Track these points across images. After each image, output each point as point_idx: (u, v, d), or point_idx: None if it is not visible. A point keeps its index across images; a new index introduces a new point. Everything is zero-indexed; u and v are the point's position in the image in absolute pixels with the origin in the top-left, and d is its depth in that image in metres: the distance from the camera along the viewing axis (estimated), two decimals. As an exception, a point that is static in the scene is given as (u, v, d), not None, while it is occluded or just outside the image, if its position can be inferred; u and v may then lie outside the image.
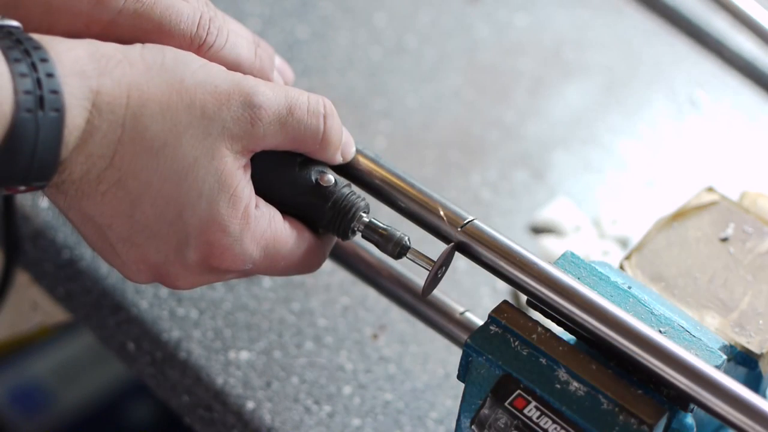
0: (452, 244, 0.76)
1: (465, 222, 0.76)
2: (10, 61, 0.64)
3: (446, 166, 1.15)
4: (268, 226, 0.75)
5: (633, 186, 1.16)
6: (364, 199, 0.77)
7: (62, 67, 0.66)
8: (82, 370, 1.62)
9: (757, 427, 0.66)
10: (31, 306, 1.13)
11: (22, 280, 1.08)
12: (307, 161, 0.77)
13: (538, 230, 1.11)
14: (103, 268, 1.01)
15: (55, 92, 0.65)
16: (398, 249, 0.76)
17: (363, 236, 0.77)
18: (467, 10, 1.29)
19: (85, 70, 0.67)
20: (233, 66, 0.77)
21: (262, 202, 0.75)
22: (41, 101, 0.65)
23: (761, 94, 1.24)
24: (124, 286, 1.00)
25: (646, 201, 1.15)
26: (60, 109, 0.65)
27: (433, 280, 0.76)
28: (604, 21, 1.31)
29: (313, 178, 0.77)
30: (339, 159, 0.78)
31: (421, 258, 0.76)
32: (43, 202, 1.05)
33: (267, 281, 1.01)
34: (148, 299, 0.99)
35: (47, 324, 1.15)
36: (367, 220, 0.77)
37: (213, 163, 0.71)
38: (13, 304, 1.10)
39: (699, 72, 1.27)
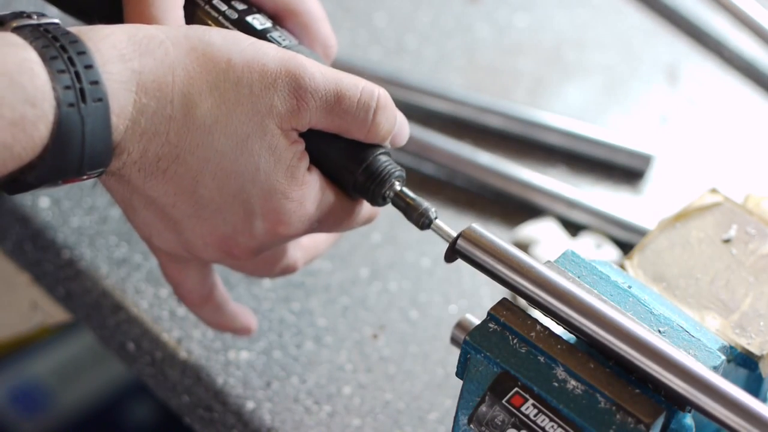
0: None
1: None
2: (47, 60, 0.66)
3: (446, 166, 1.15)
4: (319, 187, 0.77)
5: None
6: (401, 169, 0.79)
7: (100, 56, 0.68)
8: (82, 370, 1.62)
9: (754, 431, 0.66)
10: (31, 306, 1.13)
11: (22, 280, 1.08)
12: None
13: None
14: (103, 268, 1.01)
15: (95, 83, 0.67)
16: (423, 220, 0.78)
17: (392, 203, 0.79)
18: (467, 10, 1.29)
19: (124, 54, 0.69)
20: None
21: (306, 157, 0.76)
22: (82, 94, 0.66)
23: (761, 94, 1.24)
24: (124, 286, 1.00)
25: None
26: (103, 98, 0.67)
27: (454, 252, 0.77)
28: (604, 21, 1.30)
29: None
30: (387, 146, 0.79)
31: (444, 232, 0.78)
32: (43, 202, 1.05)
33: (267, 281, 1.01)
34: (148, 299, 0.99)
35: (47, 324, 1.15)
36: (399, 188, 0.79)
37: (266, 138, 0.73)
38: (13, 304, 1.10)
39: (699, 72, 1.26)
